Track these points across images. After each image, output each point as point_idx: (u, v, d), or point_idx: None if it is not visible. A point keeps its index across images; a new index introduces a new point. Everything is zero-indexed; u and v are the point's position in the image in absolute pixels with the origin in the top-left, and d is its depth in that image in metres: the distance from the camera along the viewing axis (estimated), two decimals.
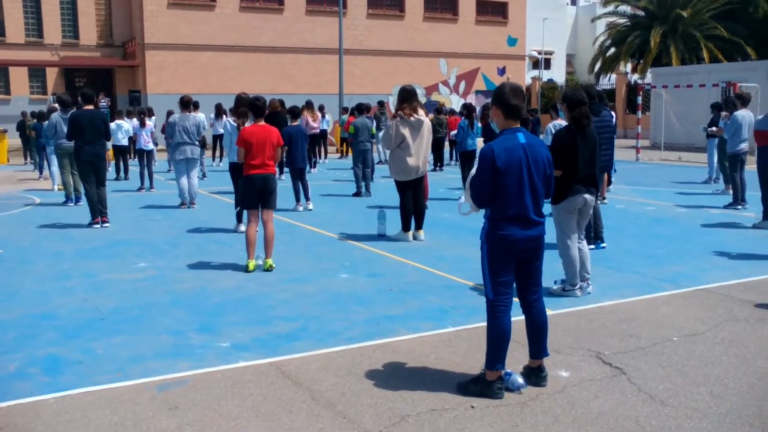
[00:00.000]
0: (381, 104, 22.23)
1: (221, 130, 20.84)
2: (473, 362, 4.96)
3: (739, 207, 12.25)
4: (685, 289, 7.01)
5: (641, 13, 43.83)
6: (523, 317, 4.68)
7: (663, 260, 8.34)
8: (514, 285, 4.51)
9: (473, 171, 4.46)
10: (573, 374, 4.76)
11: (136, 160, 17.88)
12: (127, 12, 34.12)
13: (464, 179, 13.86)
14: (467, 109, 14.84)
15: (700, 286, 7.10)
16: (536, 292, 4.60)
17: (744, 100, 12.18)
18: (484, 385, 4.42)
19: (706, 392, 4.47)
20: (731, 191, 12.97)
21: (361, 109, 15.10)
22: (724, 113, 13.98)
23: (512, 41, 39.92)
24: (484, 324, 5.75)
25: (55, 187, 15.52)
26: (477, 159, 4.43)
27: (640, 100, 24.56)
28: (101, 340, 5.52)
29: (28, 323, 5.99)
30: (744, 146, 12.10)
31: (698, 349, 5.25)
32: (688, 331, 5.70)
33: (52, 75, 33.68)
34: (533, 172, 4.36)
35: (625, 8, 45.51)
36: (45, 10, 33.01)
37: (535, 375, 4.60)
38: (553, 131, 7.75)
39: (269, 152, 7.83)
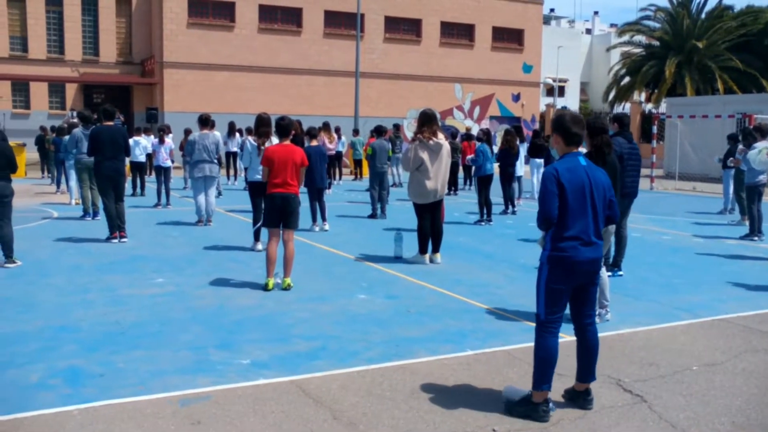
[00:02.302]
0: (396, 127, 22.38)
1: (234, 149, 21.06)
2: (493, 386, 4.97)
3: (756, 238, 12.21)
4: (703, 318, 7.00)
5: (656, 43, 44.08)
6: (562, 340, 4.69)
7: (680, 289, 8.32)
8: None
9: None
10: (594, 401, 4.75)
11: (153, 176, 18.06)
12: (147, 30, 34.56)
13: (480, 204, 13.89)
14: (485, 134, 14.90)
15: (718, 316, 7.08)
16: (591, 316, 4.66)
17: (763, 132, 12.17)
18: (531, 406, 4.44)
19: (729, 422, 4.45)
20: (747, 222, 12.94)
21: (380, 131, 15.18)
22: (741, 146, 13.98)
23: (527, 68, 40.17)
24: (503, 348, 5.84)
25: (73, 201, 15.65)
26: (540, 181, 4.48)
27: (655, 129, 24.55)
28: (122, 354, 5.55)
29: (48, 335, 6.03)
30: (762, 178, 12.08)
31: (718, 379, 5.24)
32: (708, 360, 5.68)
33: (71, 91, 34.10)
34: (595, 194, 4.44)
35: (641, 38, 45.80)
36: (67, 27, 33.51)
37: (582, 398, 4.64)
38: None
39: (291, 172, 7.89)
